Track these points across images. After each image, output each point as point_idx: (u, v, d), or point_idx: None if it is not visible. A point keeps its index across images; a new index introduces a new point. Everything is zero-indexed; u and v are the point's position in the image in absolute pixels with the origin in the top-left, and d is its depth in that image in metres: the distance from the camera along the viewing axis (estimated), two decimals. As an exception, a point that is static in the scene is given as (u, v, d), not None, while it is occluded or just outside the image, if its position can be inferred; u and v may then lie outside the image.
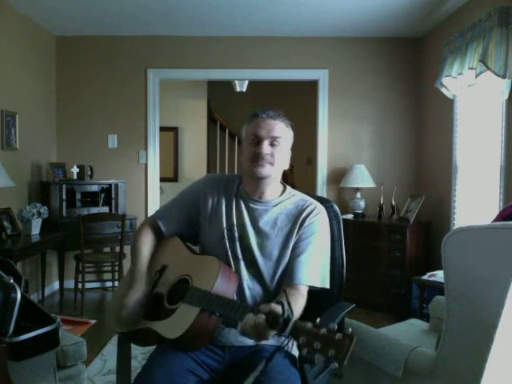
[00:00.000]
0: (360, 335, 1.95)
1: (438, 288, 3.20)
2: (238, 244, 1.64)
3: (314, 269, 1.61)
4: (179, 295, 1.57)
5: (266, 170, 1.62)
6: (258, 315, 1.29)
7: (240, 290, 1.61)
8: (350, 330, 1.13)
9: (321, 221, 1.67)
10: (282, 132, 1.65)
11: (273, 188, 1.69)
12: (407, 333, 2.43)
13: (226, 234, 1.65)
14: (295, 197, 1.72)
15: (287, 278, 1.61)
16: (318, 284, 1.61)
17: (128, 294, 1.64)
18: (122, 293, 1.71)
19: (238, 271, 1.61)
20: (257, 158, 1.61)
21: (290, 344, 1.23)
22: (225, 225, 1.66)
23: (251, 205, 1.68)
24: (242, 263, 1.63)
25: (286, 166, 1.71)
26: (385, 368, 1.83)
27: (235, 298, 1.59)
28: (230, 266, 1.62)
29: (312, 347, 1.13)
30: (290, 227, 1.64)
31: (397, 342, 1.86)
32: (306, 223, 1.64)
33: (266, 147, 1.62)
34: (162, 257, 1.76)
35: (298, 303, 1.54)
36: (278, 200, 1.69)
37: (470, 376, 1.59)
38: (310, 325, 1.17)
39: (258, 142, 1.63)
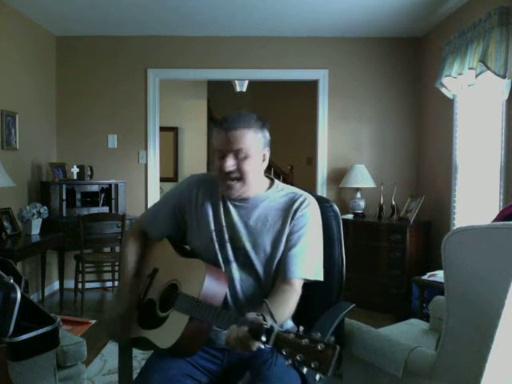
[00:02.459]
0: (360, 335, 1.95)
1: (438, 288, 3.20)
2: (228, 246, 1.59)
3: (307, 261, 1.58)
4: (170, 301, 1.53)
5: (234, 190, 1.57)
6: (241, 327, 1.25)
7: (233, 292, 1.57)
8: (333, 338, 1.11)
9: (311, 212, 1.63)
10: (247, 142, 1.54)
11: (256, 185, 1.63)
12: (407, 333, 2.43)
13: (214, 237, 1.60)
14: (284, 190, 1.67)
15: (280, 272, 1.58)
16: (311, 276, 1.58)
17: (114, 306, 1.66)
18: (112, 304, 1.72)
19: (229, 274, 1.57)
20: (222, 175, 1.56)
21: (274, 357, 1.19)
22: (213, 227, 1.61)
23: (239, 203, 1.62)
24: (234, 265, 1.59)
25: (265, 166, 1.64)
26: (385, 368, 1.83)
27: (229, 298, 1.56)
28: (221, 269, 1.58)
29: (295, 359, 1.10)
30: (282, 221, 1.60)
31: (397, 342, 1.85)
32: (297, 215, 1.60)
33: (229, 163, 1.53)
34: (153, 260, 1.72)
35: (291, 300, 1.52)
36: (265, 194, 1.64)
37: (469, 376, 1.59)
38: (292, 335, 1.14)
39: (222, 156, 1.55)
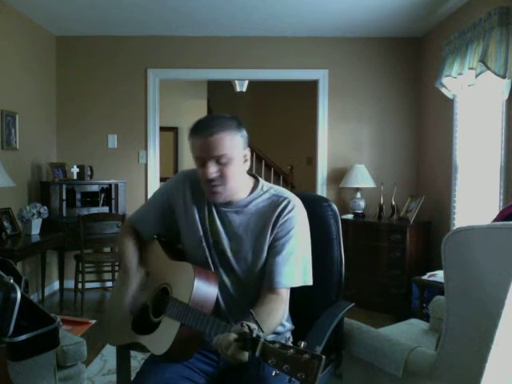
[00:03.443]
0: (360, 335, 1.95)
1: (438, 288, 3.19)
2: (213, 251, 1.57)
3: (294, 268, 1.52)
4: (162, 306, 1.51)
5: (219, 195, 1.51)
6: (228, 337, 1.22)
7: (225, 297, 1.55)
8: (319, 349, 1.08)
9: (297, 216, 1.55)
10: (226, 145, 1.46)
11: (240, 188, 1.57)
12: (407, 333, 2.43)
13: (204, 240, 1.57)
14: (268, 192, 1.59)
15: (266, 281, 1.51)
16: (299, 283, 1.53)
17: (125, 290, 1.61)
18: (114, 304, 1.69)
19: (220, 278, 1.54)
20: (206, 181, 1.50)
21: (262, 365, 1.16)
22: (200, 230, 1.57)
23: (222, 208, 1.57)
24: (221, 270, 1.56)
25: (247, 166, 1.57)
26: (385, 368, 1.83)
27: (222, 304, 1.54)
28: (210, 270, 1.53)
29: (282, 369, 1.08)
30: (264, 227, 1.53)
31: (397, 342, 1.85)
32: (280, 221, 1.52)
33: (211, 170, 1.47)
34: (145, 263, 1.69)
35: (279, 310, 1.47)
36: (249, 199, 1.57)
37: (470, 376, 1.59)
38: (277, 345, 1.12)
39: (202, 163, 1.49)
